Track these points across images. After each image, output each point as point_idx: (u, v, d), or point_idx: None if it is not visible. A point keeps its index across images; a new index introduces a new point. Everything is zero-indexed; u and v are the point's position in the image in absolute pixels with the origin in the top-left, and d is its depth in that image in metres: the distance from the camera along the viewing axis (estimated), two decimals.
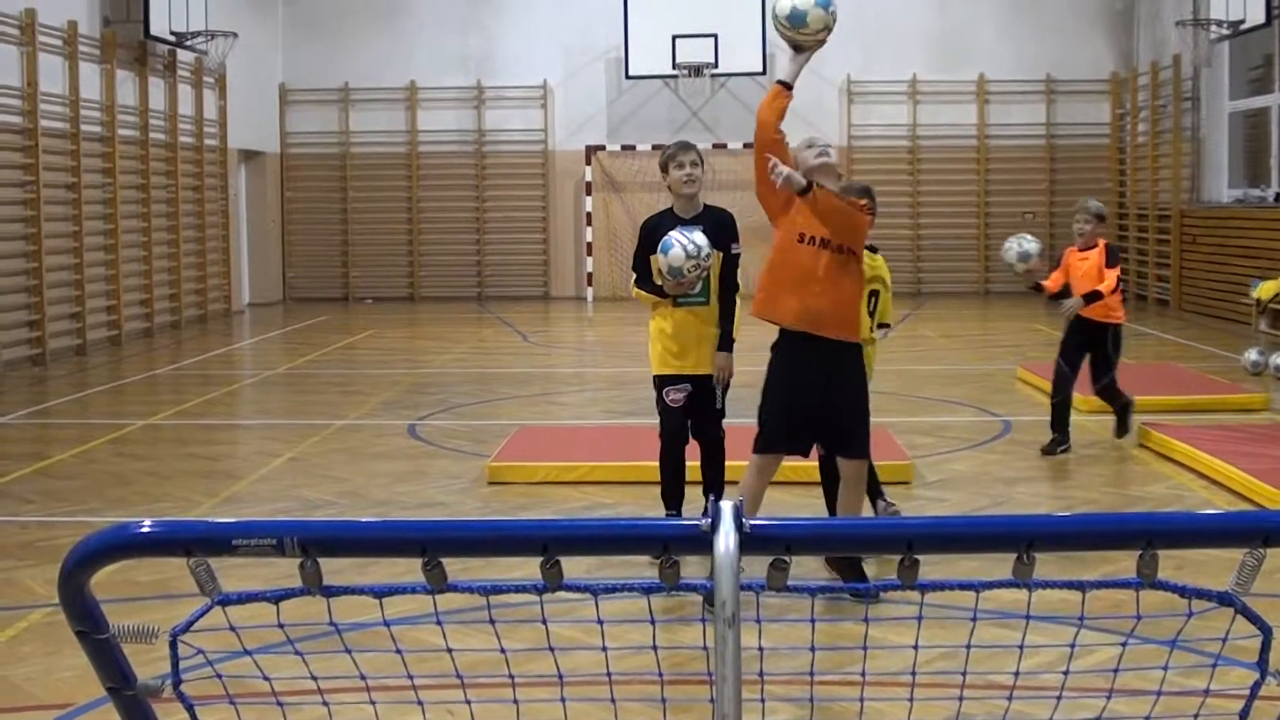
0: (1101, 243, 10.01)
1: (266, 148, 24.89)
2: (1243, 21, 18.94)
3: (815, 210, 6.26)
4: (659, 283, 7.24)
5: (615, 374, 14.63)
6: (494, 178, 25.55)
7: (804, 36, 6.47)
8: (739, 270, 7.39)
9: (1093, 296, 9.69)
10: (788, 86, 6.57)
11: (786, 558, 2.22)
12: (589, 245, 25.19)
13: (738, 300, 7.40)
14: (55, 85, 16.99)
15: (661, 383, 7.42)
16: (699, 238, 7.00)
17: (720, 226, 7.28)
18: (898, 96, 24.97)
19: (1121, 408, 10.23)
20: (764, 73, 24.22)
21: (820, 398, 6.40)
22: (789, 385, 6.46)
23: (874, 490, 7.51)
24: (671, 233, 7.08)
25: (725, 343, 7.29)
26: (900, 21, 24.77)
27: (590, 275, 25.21)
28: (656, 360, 7.44)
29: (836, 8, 6.50)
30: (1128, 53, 24.57)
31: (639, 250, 7.44)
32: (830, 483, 6.95)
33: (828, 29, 6.51)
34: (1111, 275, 9.79)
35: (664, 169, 7.40)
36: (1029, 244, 9.68)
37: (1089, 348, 9.94)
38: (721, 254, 7.25)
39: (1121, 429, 10.28)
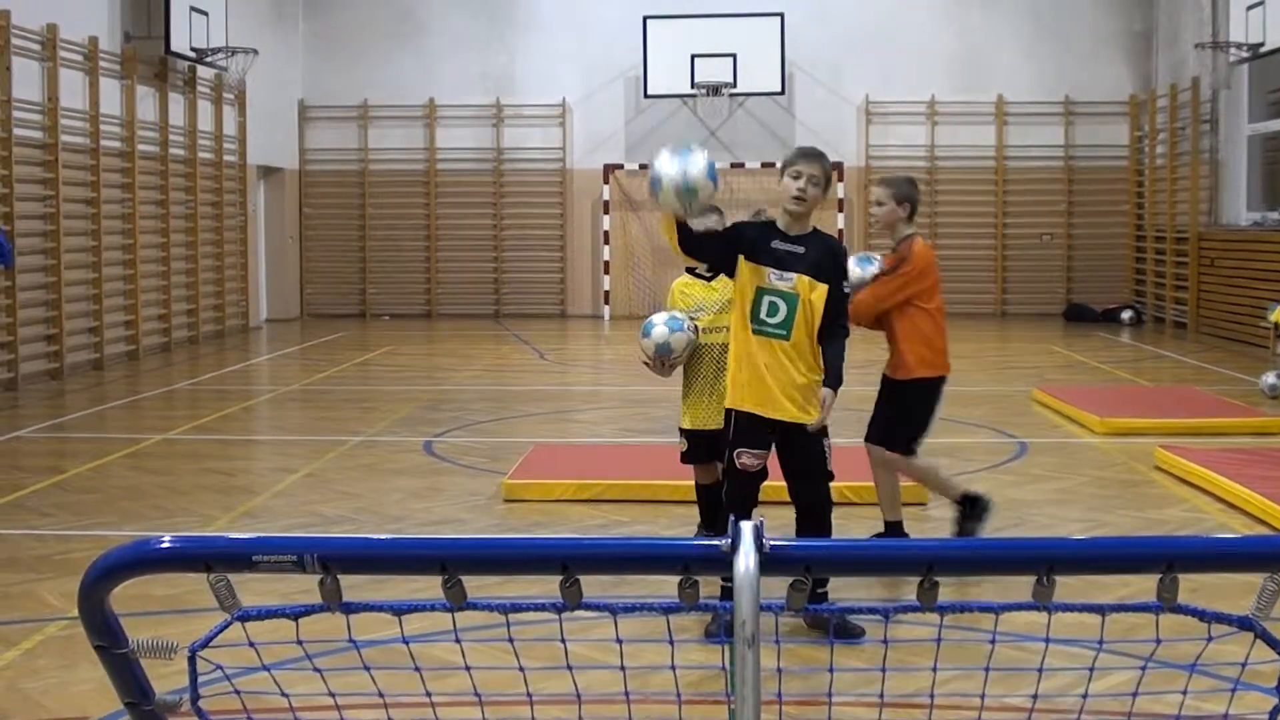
0: None
1: (285, 164, 24.97)
2: (1262, 44, 18.91)
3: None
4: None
5: (631, 392, 14.62)
6: (512, 196, 25.59)
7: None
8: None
9: None
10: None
11: (806, 578, 2.22)
12: (606, 264, 25.21)
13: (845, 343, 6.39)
14: (76, 100, 17.07)
15: (734, 439, 6.21)
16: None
17: (829, 256, 6.26)
18: (916, 117, 24.98)
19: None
20: (782, 92, 24.29)
21: None
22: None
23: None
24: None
25: (832, 381, 6.22)
26: (919, 42, 24.78)
27: (607, 294, 25.23)
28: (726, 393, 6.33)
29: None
30: (1147, 75, 24.56)
31: (730, 229, 6.43)
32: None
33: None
34: None
35: (781, 173, 6.29)
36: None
37: None
38: (828, 287, 6.18)
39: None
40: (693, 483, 7.68)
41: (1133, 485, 9.84)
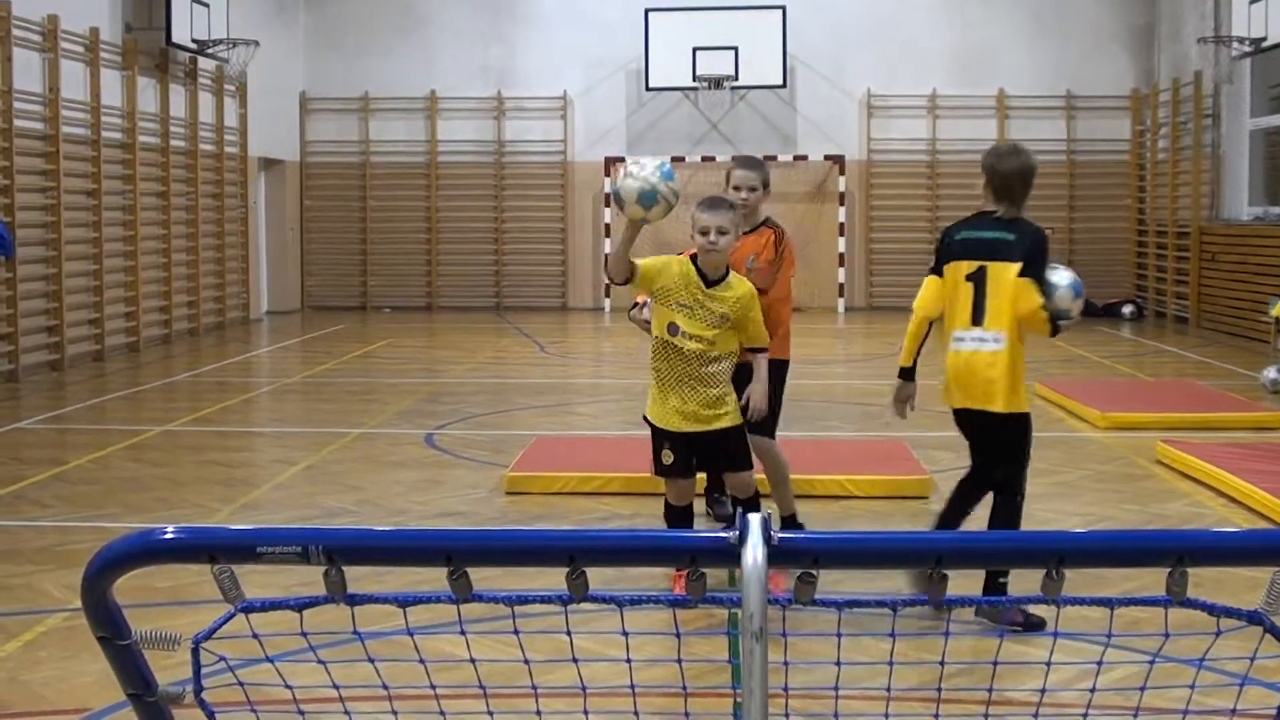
0: None
1: (286, 156, 24.94)
2: (1264, 38, 18.88)
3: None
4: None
5: (632, 385, 14.60)
6: (513, 188, 25.56)
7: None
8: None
9: None
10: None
11: (814, 571, 2.21)
12: (606, 257, 25.15)
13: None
14: (77, 91, 17.05)
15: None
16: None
17: None
18: (918, 111, 24.94)
19: None
20: (784, 85, 24.25)
21: None
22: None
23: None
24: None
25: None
26: (921, 36, 24.75)
27: (608, 286, 25.20)
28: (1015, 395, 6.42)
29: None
30: (1149, 69, 24.53)
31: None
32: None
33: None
34: None
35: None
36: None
37: None
38: None
39: None
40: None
41: (1134, 480, 9.83)
